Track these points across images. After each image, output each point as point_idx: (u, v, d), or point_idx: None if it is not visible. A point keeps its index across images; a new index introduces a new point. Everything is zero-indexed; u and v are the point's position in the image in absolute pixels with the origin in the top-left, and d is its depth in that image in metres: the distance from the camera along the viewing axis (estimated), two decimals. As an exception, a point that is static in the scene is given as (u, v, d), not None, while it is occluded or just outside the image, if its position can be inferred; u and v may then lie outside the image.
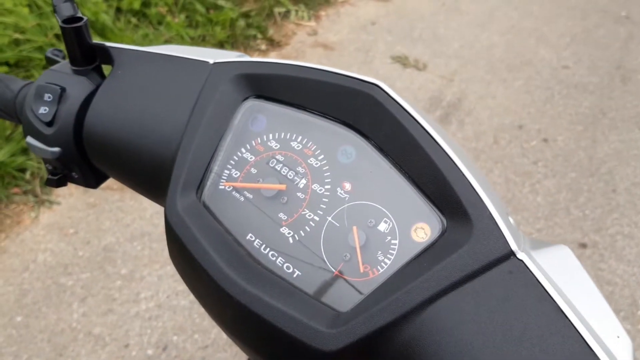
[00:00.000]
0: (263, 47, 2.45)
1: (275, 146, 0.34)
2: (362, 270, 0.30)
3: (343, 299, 0.29)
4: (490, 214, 0.28)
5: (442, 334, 0.26)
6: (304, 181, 0.33)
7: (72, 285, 1.48)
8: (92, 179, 0.46)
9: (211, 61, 0.38)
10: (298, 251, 0.31)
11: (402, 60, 2.51)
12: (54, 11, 0.40)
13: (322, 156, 0.33)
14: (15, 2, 1.91)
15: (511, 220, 0.31)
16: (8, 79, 0.48)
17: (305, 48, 2.52)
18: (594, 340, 0.24)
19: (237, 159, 0.35)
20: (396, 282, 0.28)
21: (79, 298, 1.44)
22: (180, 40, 2.22)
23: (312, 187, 0.32)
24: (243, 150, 0.35)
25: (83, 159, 0.43)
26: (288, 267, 0.31)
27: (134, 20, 2.20)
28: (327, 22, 2.73)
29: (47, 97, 0.42)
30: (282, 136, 0.34)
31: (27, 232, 1.60)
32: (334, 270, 0.30)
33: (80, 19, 0.40)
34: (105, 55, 0.42)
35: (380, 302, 0.27)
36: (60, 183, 0.46)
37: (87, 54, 0.42)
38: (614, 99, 2.35)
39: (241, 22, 2.42)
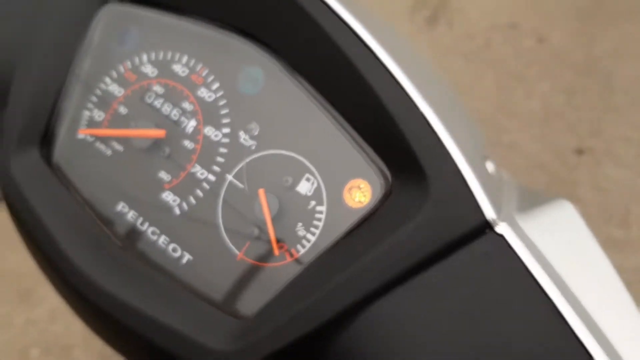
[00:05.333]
0: None
1: (152, 72, 0.25)
2: (276, 253, 0.22)
3: (249, 297, 0.22)
4: (456, 166, 0.20)
5: (381, 348, 0.18)
6: (192, 123, 0.24)
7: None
8: None
9: None
10: (187, 226, 0.23)
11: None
12: None
13: (218, 84, 0.24)
14: None
15: (491, 167, 0.23)
16: None
17: None
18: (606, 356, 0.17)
19: (99, 93, 0.25)
20: (321, 270, 0.21)
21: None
22: None
23: (204, 131, 0.24)
24: (107, 80, 0.25)
25: None
26: (175, 250, 0.23)
27: None
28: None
29: None
30: (161, 57, 0.24)
31: None
32: (237, 253, 0.22)
33: None
34: None
35: (297, 303, 0.19)
36: None
37: None
38: (612, -10, 2.21)
39: None
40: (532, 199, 0.23)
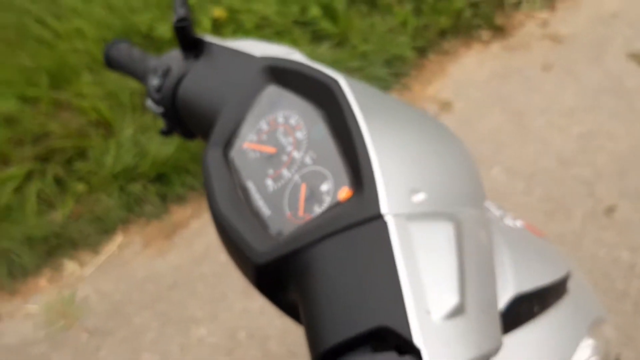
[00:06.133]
0: (485, 37, 2.46)
1: (281, 121, 0.44)
2: (301, 215, 0.39)
3: (283, 231, 0.39)
4: (374, 179, 0.35)
5: (315, 271, 0.34)
6: (289, 148, 0.42)
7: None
8: (188, 134, 0.62)
9: (258, 55, 0.49)
10: (273, 197, 0.41)
11: (639, 59, 2.32)
12: (174, 11, 0.54)
13: (306, 132, 0.42)
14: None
15: (405, 187, 0.36)
16: (145, 55, 0.67)
17: (531, 40, 2.44)
18: (414, 308, 0.30)
19: (256, 127, 0.46)
20: (310, 225, 0.37)
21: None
22: (402, 28, 2.35)
23: (293, 153, 0.42)
24: (262, 122, 0.45)
25: (178, 117, 0.59)
26: (264, 207, 0.41)
27: (364, 8, 2.39)
28: (562, 13, 2.59)
29: (159, 72, 0.59)
30: (286, 114, 0.44)
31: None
32: (288, 213, 0.40)
33: (187, 20, 0.53)
34: (200, 46, 0.56)
35: (295, 237, 0.36)
36: (167, 134, 0.64)
37: (189, 45, 0.56)
38: None
39: (467, 12, 2.46)
40: (435, 218, 0.35)
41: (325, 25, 2.30)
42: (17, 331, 1.75)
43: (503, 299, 0.40)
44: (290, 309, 0.39)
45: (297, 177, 0.40)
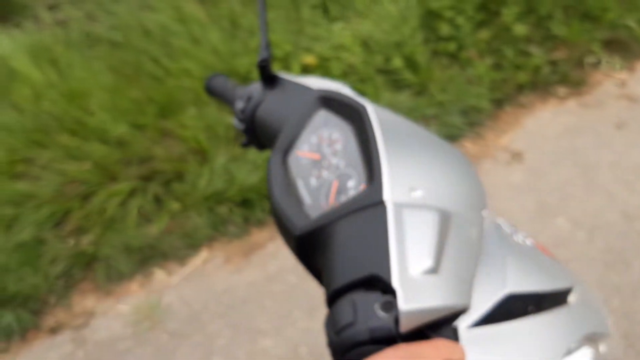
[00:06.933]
0: (562, 93, 2.53)
1: (326, 135, 0.56)
2: (331, 203, 0.50)
3: (318, 211, 0.50)
4: (381, 176, 0.46)
5: (334, 240, 0.45)
6: (330, 156, 0.54)
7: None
8: (260, 146, 0.76)
9: (315, 87, 0.61)
10: (314, 191, 0.52)
11: None
12: (259, 54, 0.67)
13: (342, 144, 0.54)
14: (352, 42, 2.45)
15: (405, 185, 0.46)
16: (234, 85, 0.82)
17: (607, 98, 2.50)
18: (397, 264, 0.40)
19: (308, 139, 0.57)
20: (334, 209, 0.47)
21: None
22: (480, 80, 2.48)
23: (332, 160, 0.53)
24: (312, 136, 0.57)
25: (255, 133, 0.73)
26: (307, 197, 0.52)
27: (445, 61, 2.54)
28: (642, 74, 2.64)
29: (243, 98, 0.73)
30: (330, 130, 0.56)
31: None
32: (322, 202, 0.51)
33: (267, 60, 0.67)
34: (275, 80, 0.70)
35: (323, 216, 0.47)
36: (246, 146, 0.78)
37: (267, 78, 0.70)
38: None
39: (546, 69, 2.55)
40: (424, 208, 0.45)
41: (407, 75, 2.47)
42: (108, 327, 1.97)
43: (498, 294, 0.45)
44: (317, 273, 0.50)
45: (332, 177, 0.52)
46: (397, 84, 2.49)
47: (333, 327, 0.41)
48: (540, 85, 2.54)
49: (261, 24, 0.69)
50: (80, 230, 2.18)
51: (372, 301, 0.39)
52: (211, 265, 2.09)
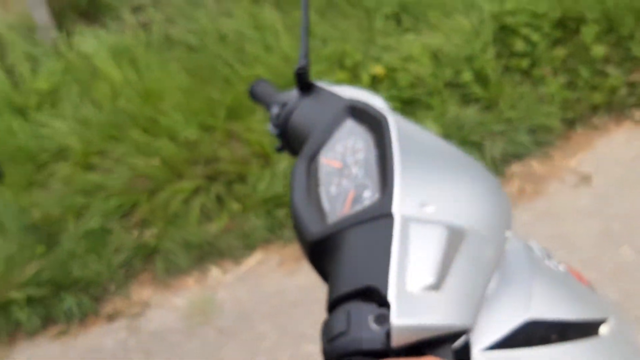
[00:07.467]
0: (638, 117, 2.41)
1: (349, 142, 0.56)
2: (346, 211, 0.49)
3: (333, 219, 0.50)
4: (393, 190, 0.46)
5: (341, 248, 0.45)
6: (351, 165, 0.54)
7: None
8: (293, 151, 0.75)
9: (346, 97, 0.62)
10: (333, 198, 0.52)
11: None
12: (299, 62, 0.69)
13: (363, 154, 0.54)
14: (421, 53, 2.43)
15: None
16: (274, 91, 0.85)
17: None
18: (395, 278, 0.39)
19: (332, 147, 0.58)
20: (346, 217, 0.48)
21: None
22: (551, 98, 2.40)
23: (352, 169, 0.53)
24: (338, 144, 0.57)
25: (288, 138, 0.73)
26: (326, 203, 0.52)
27: (517, 77, 2.48)
28: None
29: (279, 104, 0.74)
30: (354, 140, 0.56)
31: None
32: (339, 210, 0.51)
33: (305, 69, 0.68)
34: (311, 88, 0.71)
35: (335, 224, 0.48)
36: (280, 150, 0.79)
37: (304, 86, 0.71)
38: None
39: (623, 90, 2.44)
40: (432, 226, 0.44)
41: (476, 89, 2.43)
42: (162, 319, 2.05)
43: (518, 319, 0.44)
44: (327, 280, 0.50)
45: (350, 186, 0.51)
46: (466, 98, 2.45)
47: (326, 335, 0.41)
48: (616, 107, 2.43)
49: (302, 32, 0.71)
50: (144, 223, 2.28)
51: (366, 313, 0.39)
52: (265, 267, 2.13)
